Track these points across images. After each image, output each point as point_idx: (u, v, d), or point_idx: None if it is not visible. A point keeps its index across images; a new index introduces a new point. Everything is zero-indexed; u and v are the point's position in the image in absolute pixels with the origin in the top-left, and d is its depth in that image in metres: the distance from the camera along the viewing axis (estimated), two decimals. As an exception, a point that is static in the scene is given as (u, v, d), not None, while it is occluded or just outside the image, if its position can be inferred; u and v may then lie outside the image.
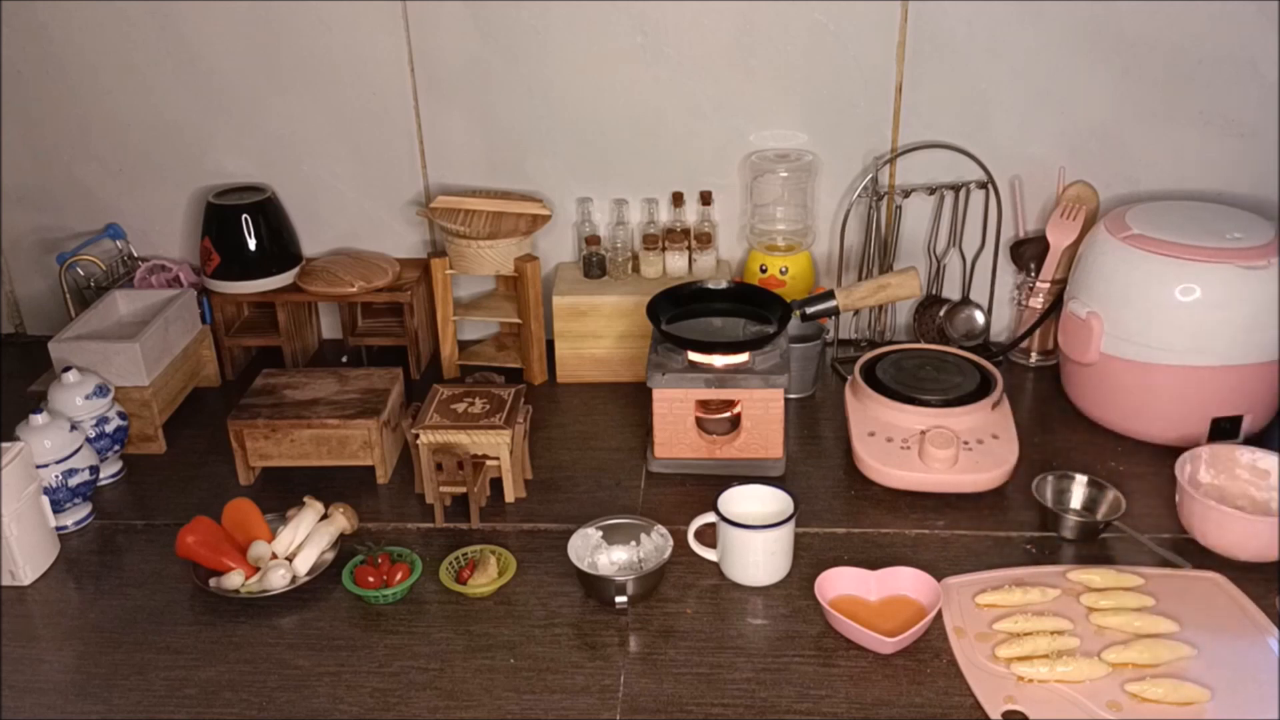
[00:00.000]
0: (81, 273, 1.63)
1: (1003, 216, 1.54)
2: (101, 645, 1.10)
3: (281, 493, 1.31)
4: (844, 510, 1.27)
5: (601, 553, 1.16)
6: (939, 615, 1.08)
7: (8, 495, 1.15)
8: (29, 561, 1.19)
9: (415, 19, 1.50)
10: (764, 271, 1.54)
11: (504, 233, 1.50)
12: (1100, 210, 1.50)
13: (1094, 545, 1.19)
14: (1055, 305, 1.49)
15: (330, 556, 1.18)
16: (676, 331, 1.33)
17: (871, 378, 1.37)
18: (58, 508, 1.25)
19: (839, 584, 1.10)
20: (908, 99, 1.50)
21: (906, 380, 1.36)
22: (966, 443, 1.27)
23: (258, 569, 1.15)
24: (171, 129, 1.60)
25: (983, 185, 1.52)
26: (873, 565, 1.12)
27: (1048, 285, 1.51)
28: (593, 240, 1.56)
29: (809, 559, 1.17)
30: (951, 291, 1.60)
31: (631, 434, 1.43)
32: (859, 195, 1.54)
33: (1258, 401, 1.32)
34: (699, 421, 1.33)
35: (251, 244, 1.55)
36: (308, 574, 1.16)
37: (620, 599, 1.09)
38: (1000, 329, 1.62)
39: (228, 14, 1.51)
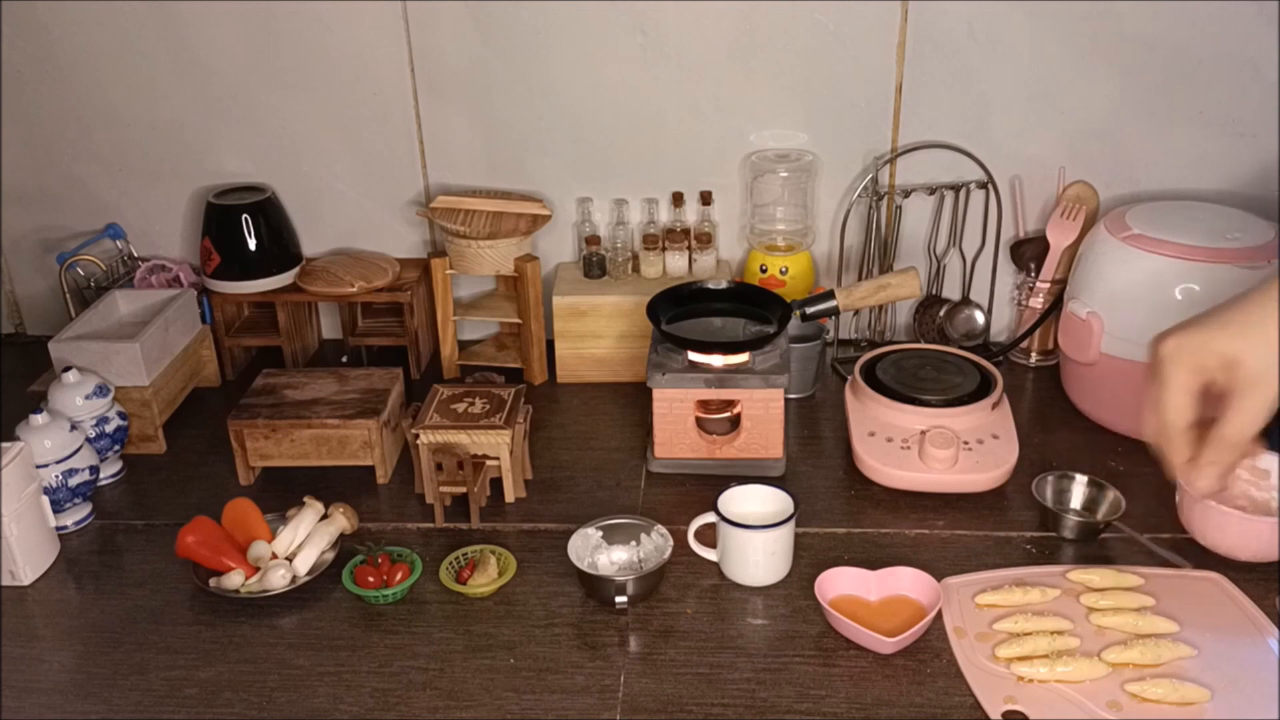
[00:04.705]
0: (81, 273, 1.63)
1: (1003, 216, 1.54)
2: (101, 645, 1.10)
3: (281, 493, 1.31)
4: (844, 510, 1.27)
5: (601, 553, 1.16)
6: (939, 615, 1.08)
7: (8, 495, 1.15)
8: (29, 561, 1.19)
9: (415, 19, 1.50)
10: (764, 271, 1.54)
11: (504, 233, 1.50)
12: (1100, 210, 1.50)
13: (1094, 545, 1.19)
14: (1055, 305, 1.49)
15: (330, 556, 1.19)
16: (676, 331, 1.33)
17: (871, 378, 1.37)
18: (58, 508, 1.25)
19: (839, 584, 1.10)
20: (908, 99, 1.50)
21: (906, 380, 1.36)
22: (966, 443, 1.27)
23: (258, 569, 1.15)
24: (171, 129, 1.60)
25: (983, 185, 1.52)
26: (873, 565, 1.12)
27: (1048, 285, 1.51)
28: (593, 240, 1.56)
29: (809, 559, 1.17)
30: (951, 291, 1.60)
31: (631, 434, 1.43)
32: (859, 195, 1.54)
33: (1258, 401, 1.32)
34: (699, 421, 1.33)
35: (251, 244, 1.55)
36: (308, 574, 1.16)
37: (620, 599, 1.09)
38: (1000, 329, 1.62)
39: (228, 14, 1.51)
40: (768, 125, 1.54)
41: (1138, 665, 1.01)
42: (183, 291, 1.53)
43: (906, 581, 1.10)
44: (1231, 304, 0.97)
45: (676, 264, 1.56)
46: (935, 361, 1.40)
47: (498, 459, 1.27)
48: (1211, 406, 0.98)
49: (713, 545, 1.16)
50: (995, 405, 1.33)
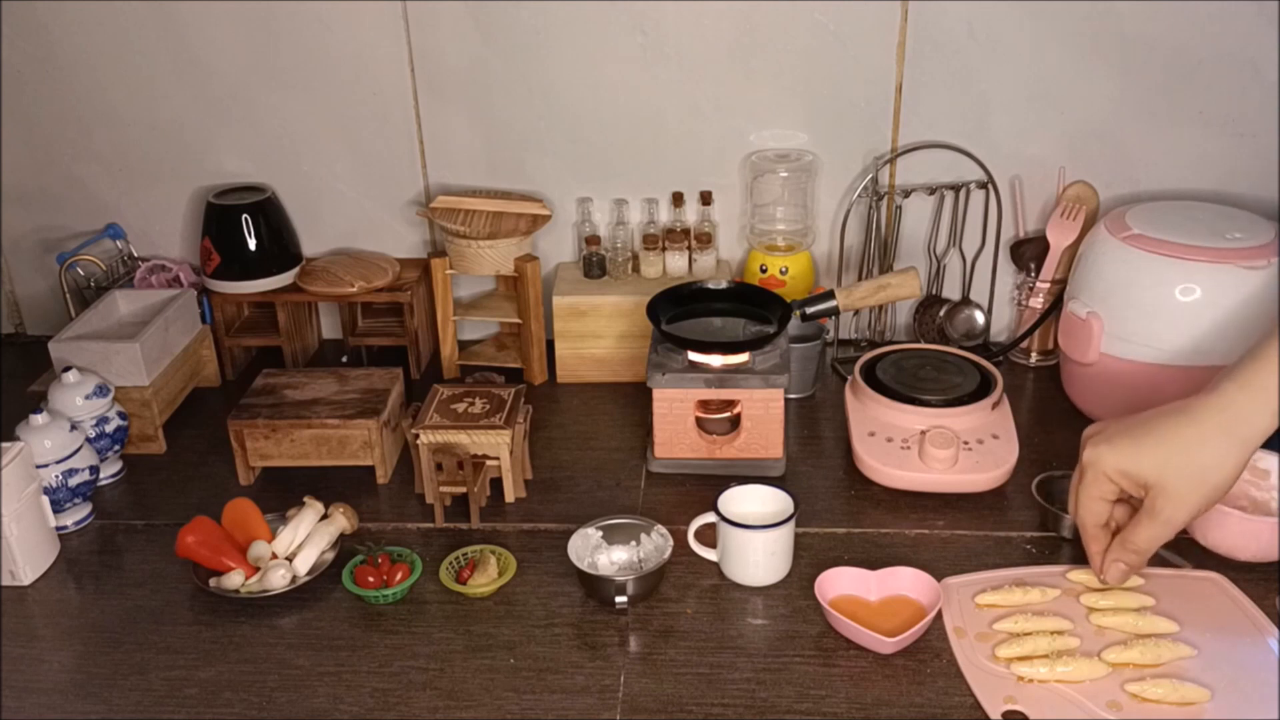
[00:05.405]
0: (81, 273, 1.63)
1: (1003, 216, 1.54)
2: (101, 645, 1.10)
3: (281, 493, 1.31)
4: (844, 510, 1.27)
5: (601, 553, 1.16)
6: (939, 615, 1.08)
7: (8, 495, 1.15)
8: (29, 561, 1.19)
9: (415, 19, 1.50)
10: (764, 271, 1.54)
11: (504, 233, 1.50)
12: (1100, 210, 1.50)
13: (1094, 545, 1.19)
14: (1055, 305, 1.49)
15: (330, 556, 1.19)
16: (676, 331, 1.33)
17: (871, 378, 1.37)
18: (58, 508, 1.25)
19: (839, 584, 1.10)
20: (908, 99, 1.50)
21: (906, 380, 1.36)
22: (966, 443, 1.27)
23: (258, 569, 1.15)
24: (171, 129, 1.60)
25: (983, 185, 1.52)
26: (873, 565, 1.12)
27: (1048, 285, 1.51)
28: (593, 240, 1.56)
29: (809, 559, 1.17)
30: (951, 291, 1.60)
31: (631, 434, 1.43)
32: (859, 195, 1.54)
33: (1258, 401, 1.32)
34: (699, 421, 1.33)
35: (251, 244, 1.55)
36: (308, 574, 1.16)
37: (620, 599, 1.09)
38: (1000, 329, 1.62)
39: (228, 14, 1.51)
40: (768, 125, 1.54)
41: (1138, 665, 1.01)
42: (183, 291, 1.53)
43: (906, 581, 1.10)
44: (1160, 422, 1.01)
45: (676, 264, 1.56)
46: (935, 361, 1.40)
47: (498, 459, 1.27)
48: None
49: (713, 545, 1.16)
50: (995, 405, 1.33)
